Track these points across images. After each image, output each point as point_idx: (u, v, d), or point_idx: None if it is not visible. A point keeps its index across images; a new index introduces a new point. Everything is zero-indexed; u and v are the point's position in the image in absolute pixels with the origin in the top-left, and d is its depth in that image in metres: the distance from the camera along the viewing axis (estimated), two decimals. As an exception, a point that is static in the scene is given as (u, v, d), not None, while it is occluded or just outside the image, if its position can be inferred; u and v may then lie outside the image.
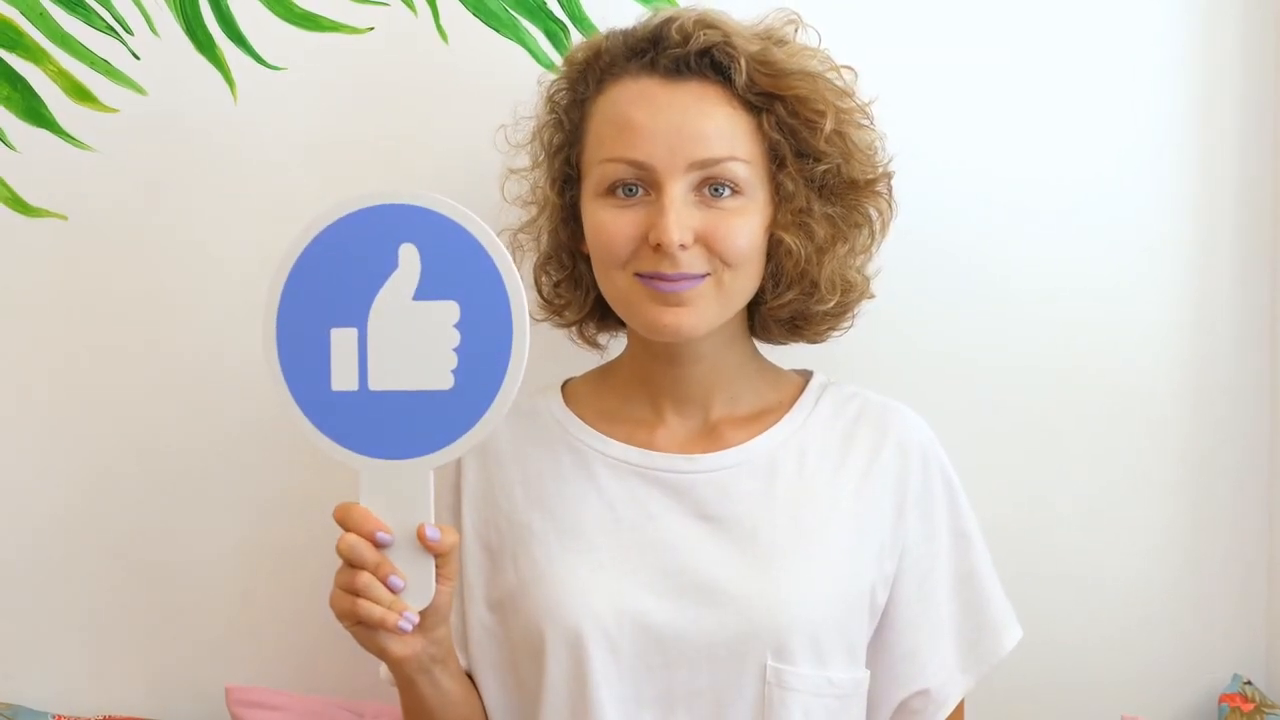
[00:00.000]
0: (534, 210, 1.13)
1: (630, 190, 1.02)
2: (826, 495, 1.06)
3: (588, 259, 1.08)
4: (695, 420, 1.10)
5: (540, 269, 1.14)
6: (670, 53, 1.03)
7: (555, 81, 1.11)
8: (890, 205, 1.10)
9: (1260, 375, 1.34)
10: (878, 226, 1.10)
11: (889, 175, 1.09)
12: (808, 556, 1.03)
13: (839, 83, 1.07)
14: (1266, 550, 1.36)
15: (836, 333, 1.13)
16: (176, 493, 1.33)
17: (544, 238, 1.13)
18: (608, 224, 1.02)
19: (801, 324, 1.10)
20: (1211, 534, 1.36)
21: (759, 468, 1.07)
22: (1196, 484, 1.35)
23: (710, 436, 1.09)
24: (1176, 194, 1.33)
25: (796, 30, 1.09)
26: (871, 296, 1.12)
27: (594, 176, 1.04)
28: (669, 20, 1.04)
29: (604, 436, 1.09)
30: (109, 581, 1.34)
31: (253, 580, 1.34)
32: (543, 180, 1.11)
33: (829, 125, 1.03)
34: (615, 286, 1.04)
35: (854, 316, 1.12)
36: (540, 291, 1.14)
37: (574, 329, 1.16)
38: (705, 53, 1.02)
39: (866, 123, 1.08)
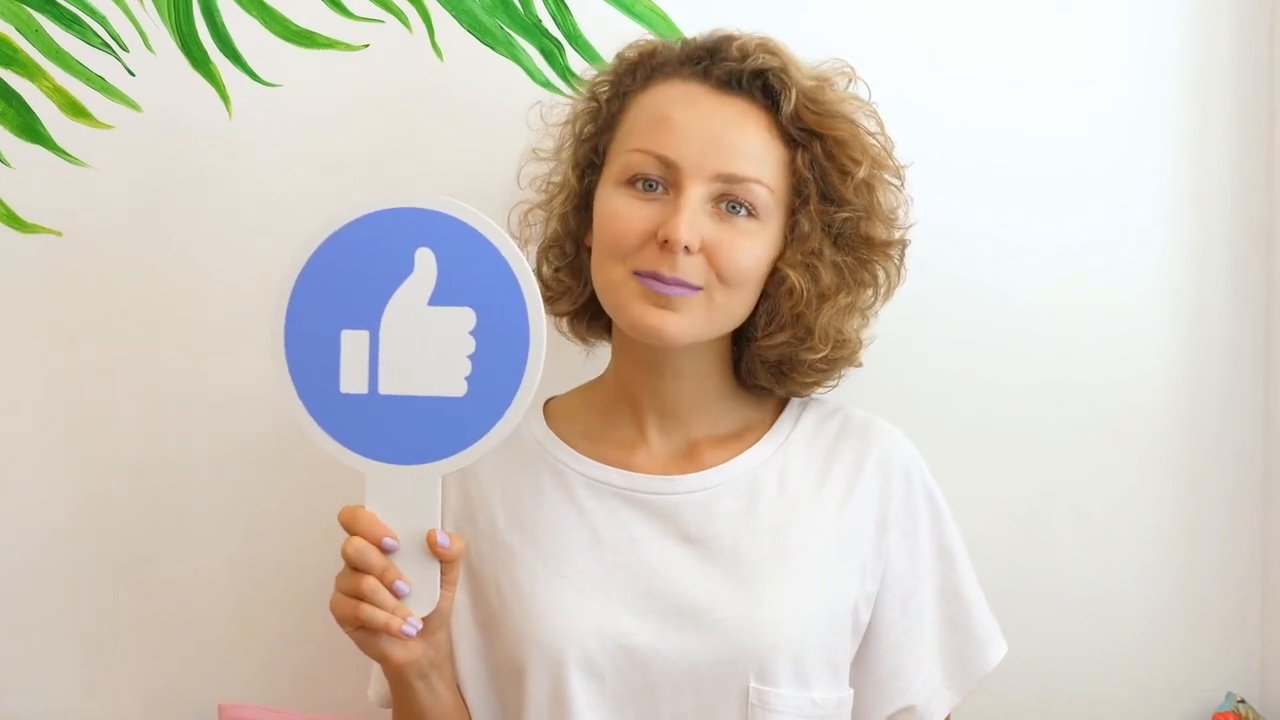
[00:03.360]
0: (550, 191, 1.13)
1: (650, 185, 1.02)
2: (808, 514, 1.06)
3: (590, 253, 1.08)
4: (677, 439, 1.09)
5: (544, 253, 1.14)
6: (725, 65, 1.04)
7: (601, 75, 1.11)
8: (899, 271, 1.10)
9: (1254, 390, 1.35)
10: (883, 290, 1.10)
11: (904, 243, 1.10)
12: (790, 577, 1.03)
13: (881, 141, 1.08)
14: (1261, 566, 1.36)
15: (821, 389, 1.12)
16: (171, 508, 1.32)
17: (553, 222, 1.12)
18: (621, 212, 1.02)
19: (788, 370, 1.09)
20: (1205, 550, 1.36)
21: (740, 487, 1.07)
22: (1189, 499, 1.35)
23: (691, 457, 1.09)
24: (1171, 208, 1.34)
25: (849, 82, 1.10)
26: (859, 365, 1.12)
27: (618, 163, 1.04)
28: (730, 37, 1.05)
29: (585, 458, 1.09)
30: (103, 597, 1.33)
31: (247, 596, 1.33)
32: (566, 163, 1.11)
33: (862, 174, 1.04)
34: (609, 279, 1.03)
35: (840, 377, 1.12)
36: (540, 274, 1.13)
37: (564, 320, 1.15)
38: (759, 74, 1.03)
39: (897, 183, 1.09)
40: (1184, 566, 1.36)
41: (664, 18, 1.29)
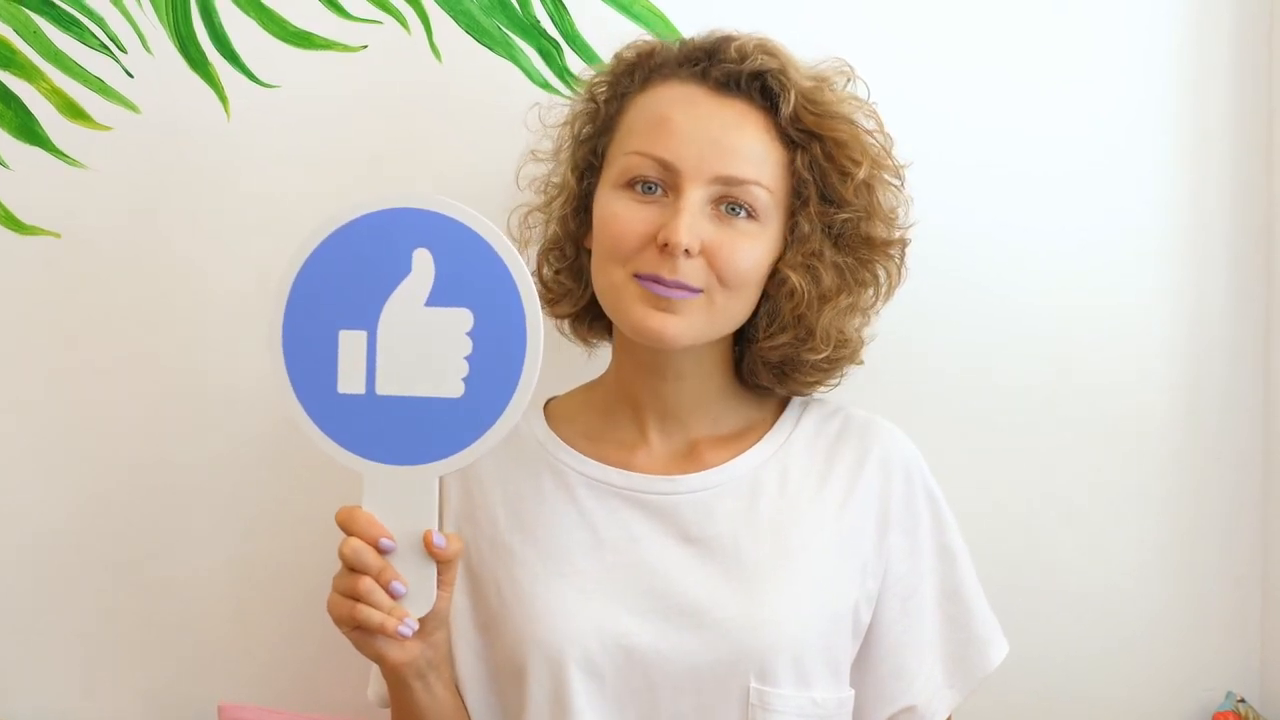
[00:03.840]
0: (550, 193, 1.13)
1: (650, 188, 1.02)
2: (809, 514, 1.06)
3: (590, 255, 1.08)
4: (677, 440, 1.09)
5: (544, 255, 1.14)
6: (724, 66, 1.03)
7: (598, 76, 1.11)
8: (900, 270, 1.10)
9: (1254, 390, 1.34)
10: (884, 289, 1.10)
11: (905, 242, 1.10)
12: (791, 577, 1.03)
13: (880, 141, 1.08)
14: (1261, 566, 1.36)
15: (823, 388, 1.12)
16: (170, 508, 1.33)
17: (553, 224, 1.12)
18: (620, 215, 1.02)
19: (790, 370, 1.09)
20: (1205, 549, 1.35)
21: (741, 487, 1.07)
22: (1190, 498, 1.35)
23: (691, 457, 1.09)
24: (1171, 208, 1.33)
25: (848, 82, 1.10)
26: (860, 363, 1.12)
27: (617, 166, 1.04)
28: (728, 38, 1.05)
29: (585, 458, 1.09)
30: (102, 597, 1.33)
31: (246, 596, 1.33)
32: (565, 165, 1.11)
33: (861, 175, 1.04)
34: (610, 281, 1.03)
35: (843, 376, 1.12)
36: (540, 276, 1.14)
37: (565, 322, 1.15)
38: (758, 76, 1.03)
39: (896, 183, 1.09)
40: (1183, 566, 1.35)
41: (662, 18, 1.29)
